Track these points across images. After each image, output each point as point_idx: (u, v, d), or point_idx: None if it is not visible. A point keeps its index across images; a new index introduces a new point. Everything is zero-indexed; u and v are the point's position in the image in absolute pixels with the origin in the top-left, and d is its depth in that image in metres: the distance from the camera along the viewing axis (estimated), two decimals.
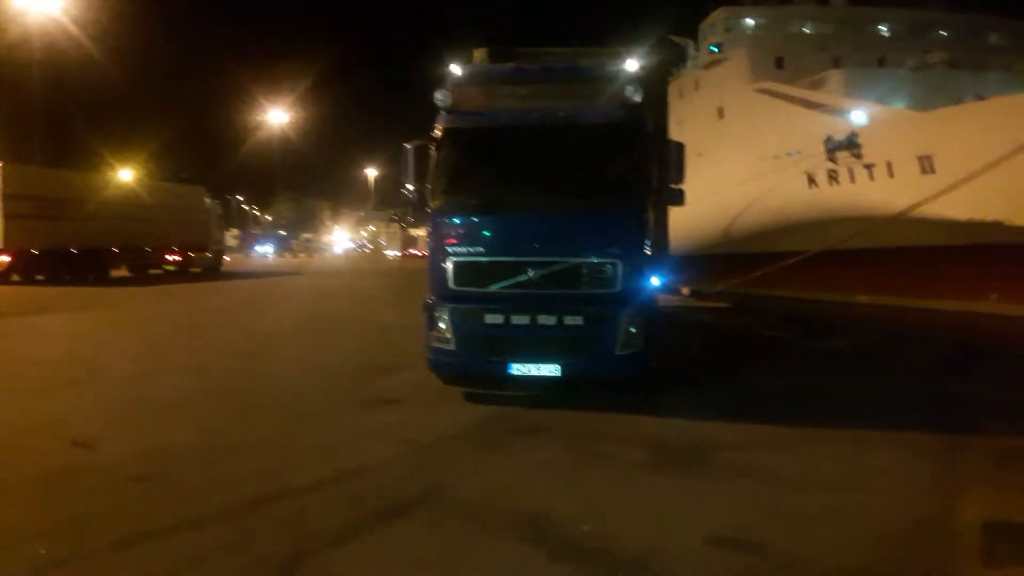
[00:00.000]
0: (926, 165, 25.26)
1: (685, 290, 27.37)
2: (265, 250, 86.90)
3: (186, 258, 39.04)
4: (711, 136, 34.67)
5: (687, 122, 37.34)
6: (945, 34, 32.91)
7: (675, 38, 38.91)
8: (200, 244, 40.55)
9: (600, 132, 8.11)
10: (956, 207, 24.53)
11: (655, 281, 8.86)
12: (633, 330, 7.72)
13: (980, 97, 27.31)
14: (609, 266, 7.81)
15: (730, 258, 31.20)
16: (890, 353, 13.42)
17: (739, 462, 6.16)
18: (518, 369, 7.81)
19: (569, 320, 7.70)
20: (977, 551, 4.38)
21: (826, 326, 17.74)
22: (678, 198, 8.64)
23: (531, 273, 7.78)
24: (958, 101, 27.14)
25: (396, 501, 5.31)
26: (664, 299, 15.45)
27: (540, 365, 7.76)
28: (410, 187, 8.52)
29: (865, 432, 6.93)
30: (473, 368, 8.06)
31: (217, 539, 4.62)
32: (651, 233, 8.40)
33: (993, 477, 5.75)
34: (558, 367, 7.74)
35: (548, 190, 8.04)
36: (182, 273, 37.51)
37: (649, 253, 8.23)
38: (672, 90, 39.43)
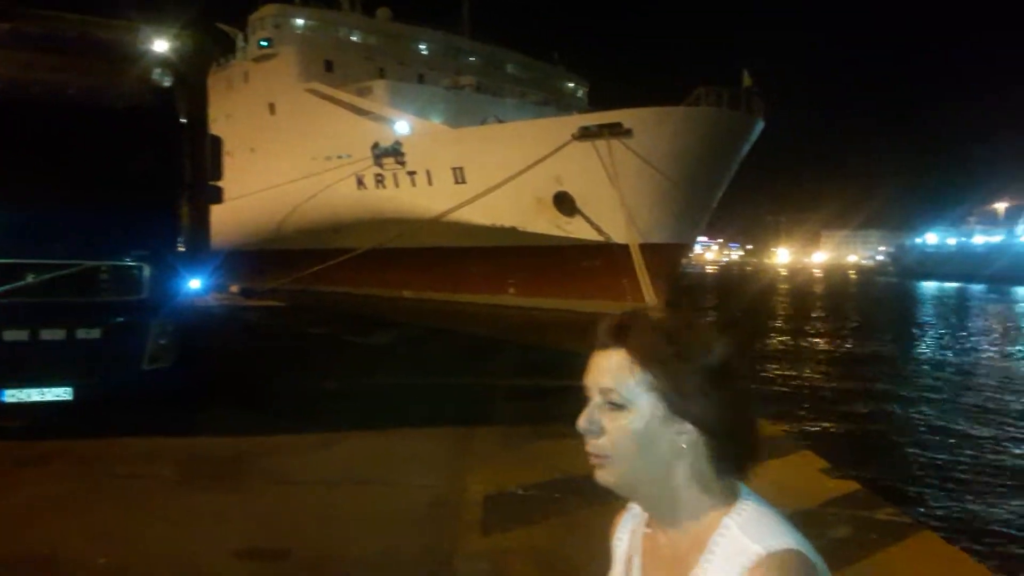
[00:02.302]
0: (458, 175, 28.50)
1: (235, 289, 26.48)
2: None
3: None
4: (264, 132, 34.19)
5: (237, 115, 36.15)
6: (473, 60, 37.38)
7: (224, 27, 37.41)
8: None
9: (122, 117, 7.27)
10: (482, 214, 28.15)
11: (195, 284, 8.25)
12: (164, 341, 6.98)
13: (500, 119, 31.71)
14: (134, 270, 6.99)
15: (284, 255, 31.21)
16: (426, 346, 14.73)
17: (275, 469, 6.12)
18: (14, 396, 6.47)
19: (83, 334, 6.66)
20: (478, 522, 5.00)
21: (374, 322, 18.72)
22: (215, 195, 8.14)
23: (31, 278, 6.56)
24: (483, 121, 31.13)
25: None
26: (210, 300, 14.74)
27: (45, 389, 6.55)
28: None
29: (395, 427, 7.39)
30: None
31: None
32: (186, 232, 7.75)
33: (496, 455, 6.64)
34: (70, 390, 6.61)
35: (53, 179, 6.91)
36: None
37: (184, 253, 7.61)
38: (220, 80, 37.70)
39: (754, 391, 1.12)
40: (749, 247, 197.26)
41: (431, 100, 31.72)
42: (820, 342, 25.06)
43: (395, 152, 29.19)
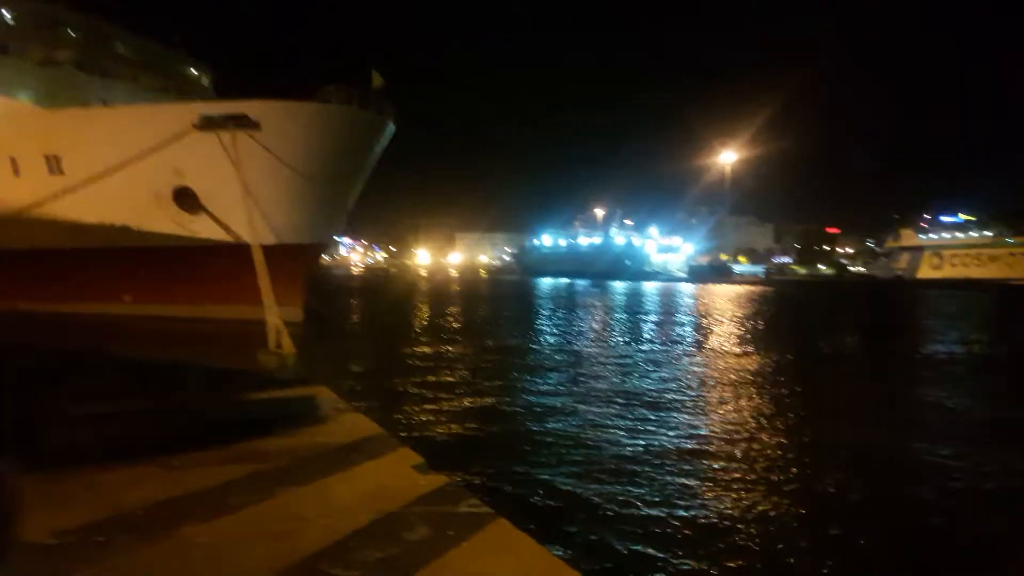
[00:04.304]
0: (54, 165, 24.50)
1: None
2: None
3: None
4: None
5: None
6: (73, 33, 32.46)
7: None
8: None
9: None
10: (88, 210, 24.56)
11: None
12: None
13: (107, 102, 28.00)
14: None
15: None
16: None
17: None
18: None
19: None
20: None
21: None
22: None
23: None
24: (86, 103, 27.20)
25: None
26: None
27: None
28: None
29: None
30: None
31: None
32: None
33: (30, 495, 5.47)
34: None
35: None
36: None
37: None
38: None
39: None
40: (393, 249, 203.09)
41: (18, 75, 26.85)
42: (457, 333, 26.41)
43: None
